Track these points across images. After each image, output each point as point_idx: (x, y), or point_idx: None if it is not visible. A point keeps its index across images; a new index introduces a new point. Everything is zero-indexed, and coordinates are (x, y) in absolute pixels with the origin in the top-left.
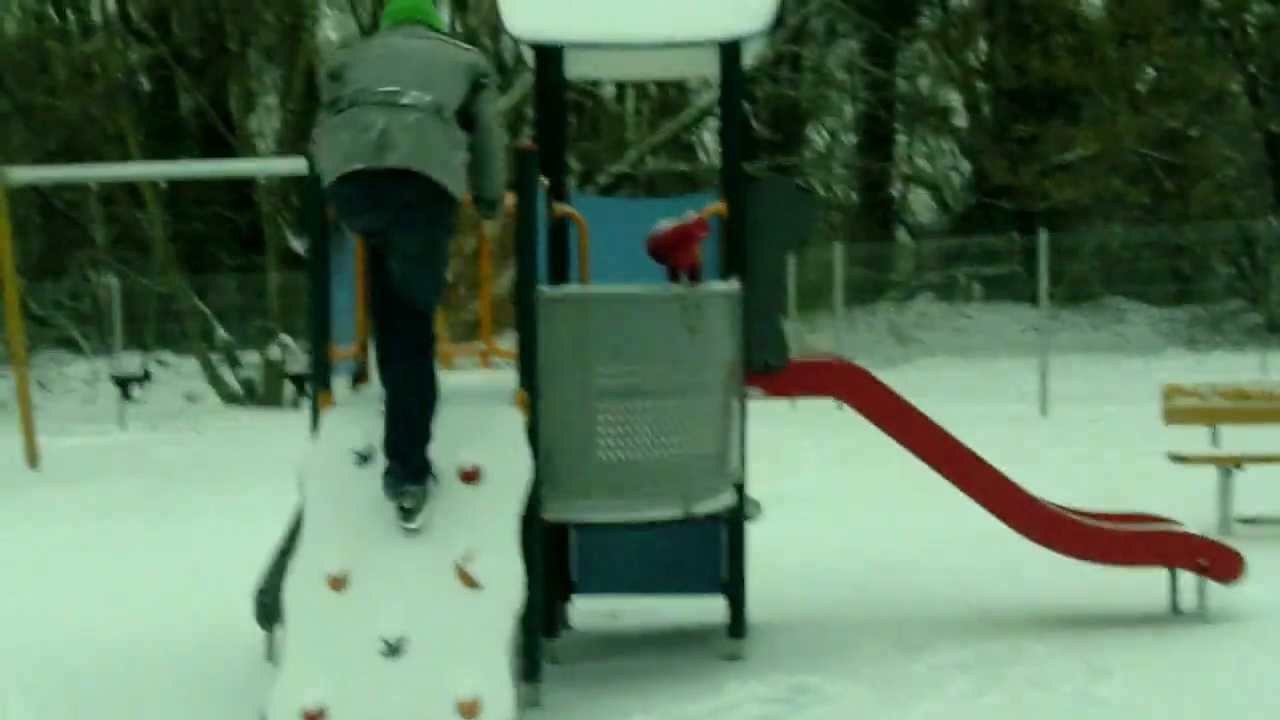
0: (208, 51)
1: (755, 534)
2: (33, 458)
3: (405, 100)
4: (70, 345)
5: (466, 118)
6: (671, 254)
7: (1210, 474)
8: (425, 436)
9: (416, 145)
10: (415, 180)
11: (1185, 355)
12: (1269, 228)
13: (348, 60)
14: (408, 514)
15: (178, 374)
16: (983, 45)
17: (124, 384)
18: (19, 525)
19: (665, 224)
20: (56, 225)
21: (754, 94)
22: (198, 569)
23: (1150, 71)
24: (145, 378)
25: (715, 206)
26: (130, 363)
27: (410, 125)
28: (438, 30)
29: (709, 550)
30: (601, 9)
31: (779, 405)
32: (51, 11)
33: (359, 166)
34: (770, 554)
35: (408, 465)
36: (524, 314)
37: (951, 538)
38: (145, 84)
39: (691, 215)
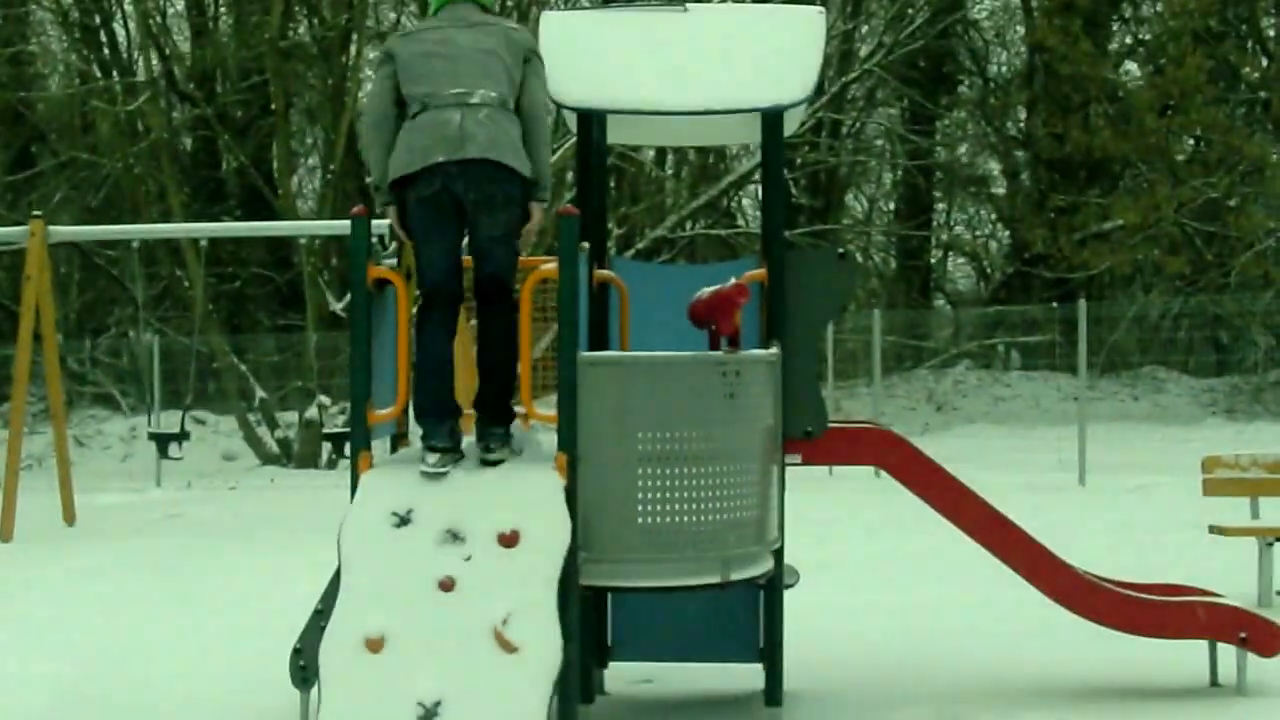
0: (251, 112)
1: (793, 601)
2: (70, 514)
3: (474, 99)
4: (108, 402)
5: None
6: (712, 320)
7: (1250, 546)
8: (508, 390)
9: (492, 136)
10: (493, 167)
11: (1224, 426)
12: None
13: (411, 54)
14: (488, 450)
15: (215, 433)
16: (1022, 114)
17: (162, 442)
18: (55, 582)
19: (706, 290)
20: (97, 282)
21: (793, 160)
22: (233, 628)
23: (1189, 141)
24: (184, 436)
25: (756, 273)
26: (168, 421)
27: (483, 120)
28: (486, 7)
29: (747, 617)
30: (643, 76)
31: (817, 471)
32: (96, 70)
33: (441, 159)
34: (808, 622)
35: (492, 412)
36: (565, 378)
37: (991, 607)
38: (188, 143)
39: (732, 281)
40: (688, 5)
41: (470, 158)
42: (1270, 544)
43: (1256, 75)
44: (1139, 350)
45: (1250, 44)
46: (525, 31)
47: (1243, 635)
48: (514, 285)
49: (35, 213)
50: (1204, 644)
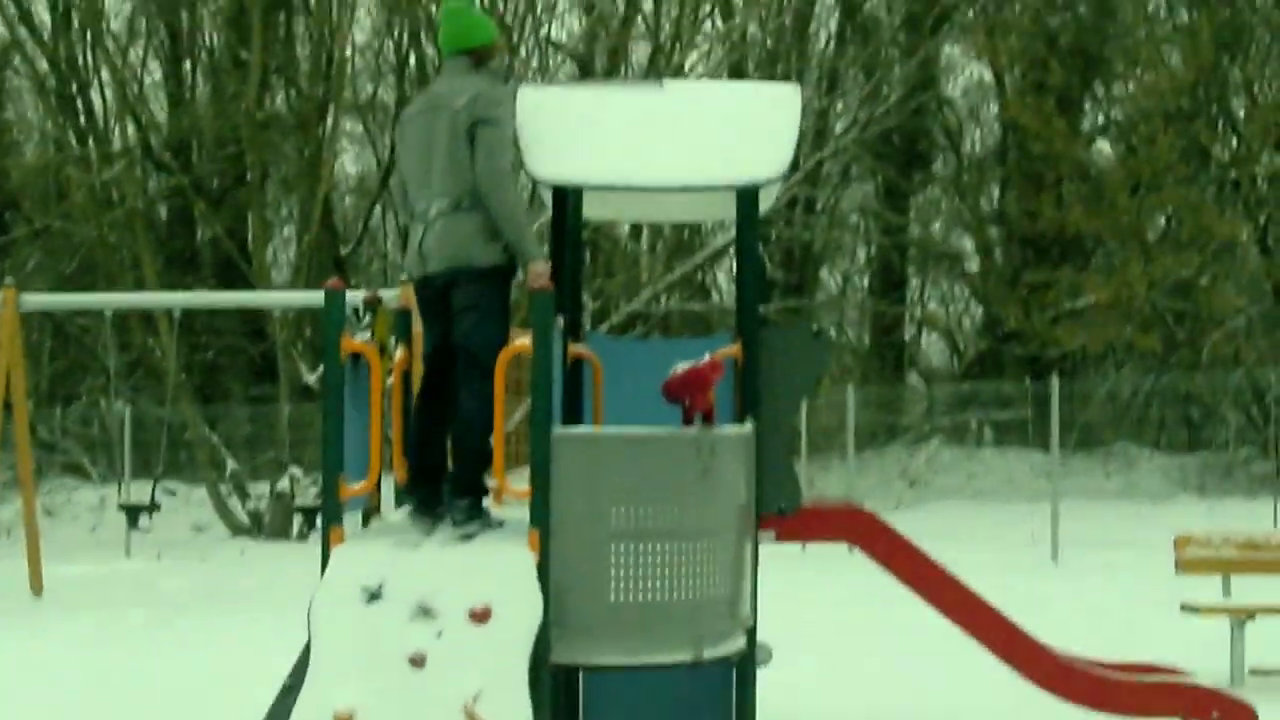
0: (227, 182)
1: (765, 679)
2: (38, 585)
3: (431, 212)
4: (78, 472)
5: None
6: (687, 396)
7: (1223, 625)
8: (473, 462)
9: (444, 245)
10: (451, 272)
11: (1196, 502)
12: (1279, 376)
13: (400, 142)
14: (454, 524)
15: (186, 503)
16: (995, 191)
17: (132, 513)
18: (21, 654)
19: (681, 366)
20: (69, 350)
21: (768, 235)
22: (201, 703)
23: (1161, 220)
24: (154, 507)
25: (730, 349)
26: (139, 491)
27: (439, 232)
28: (476, 48)
29: (719, 695)
30: (620, 152)
31: (789, 548)
32: (72, 138)
33: (416, 275)
34: (780, 700)
35: (456, 484)
36: (538, 453)
37: (966, 686)
38: (163, 212)
39: (707, 357)
40: (664, 81)
41: (430, 273)
42: (1243, 623)
43: (1227, 155)
44: (1111, 427)
45: (1221, 124)
46: (476, 95)
47: (1216, 716)
48: (482, 356)
49: (7, 280)
50: None
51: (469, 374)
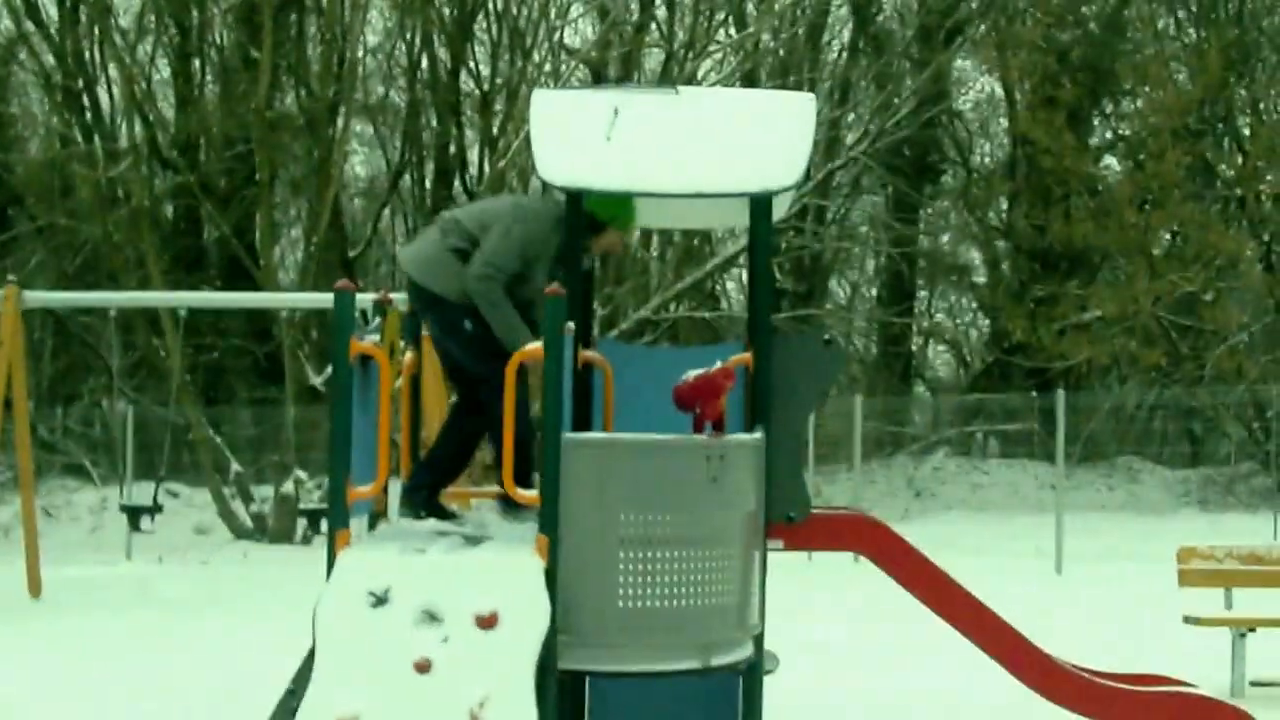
0: (235, 182)
1: (772, 688)
2: (35, 587)
3: None
4: (79, 472)
5: None
6: (697, 404)
7: (1224, 636)
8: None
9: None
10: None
11: (1198, 516)
12: None
13: None
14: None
15: (188, 505)
16: (1004, 205)
17: (134, 514)
18: (17, 658)
19: (692, 373)
20: (71, 349)
21: (778, 244)
22: (202, 708)
23: (1167, 236)
24: (156, 509)
25: (741, 357)
26: (141, 493)
27: None
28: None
29: (725, 703)
30: (632, 157)
31: (796, 556)
32: (78, 135)
33: None
34: (786, 708)
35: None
36: (547, 459)
37: (970, 694)
38: (169, 211)
39: (718, 365)
40: (679, 88)
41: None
42: (1244, 635)
43: (1232, 173)
44: (1115, 440)
45: (1227, 142)
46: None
47: None
48: (474, 367)
49: (10, 277)
50: None
51: (465, 393)
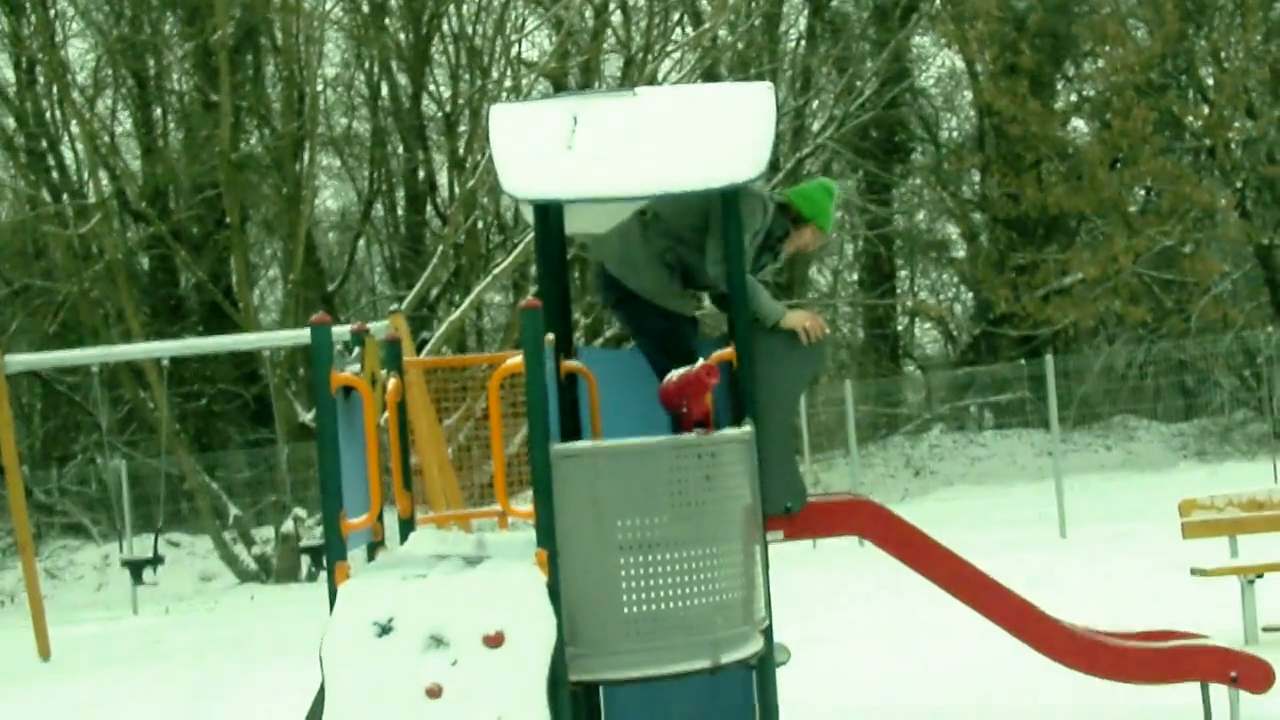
0: (206, 227)
1: (785, 679)
2: (44, 649)
3: None
4: (79, 531)
5: None
6: (684, 402)
7: (1232, 585)
8: None
9: None
10: None
11: (1197, 468)
12: (1268, 337)
13: None
14: None
15: (190, 554)
16: (976, 176)
17: (136, 568)
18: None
19: (676, 373)
20: (59, 409)
21: None
22: None
23: (1140, 192)
24: (158, 560)
25: (724, 352)
26: (141, 546)
27: None
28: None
29: (741, 700)
30: (597, 163)
31: (801, 545)
32: (46, 195)
33: None
34: (802, 699)
35: None
36: (538, 472)
37: (983, 666)
38: (144, 262)
39: (701, 363)
40: (636, 90)
41: None
42: (1252, 581)
43: (1199, 123)
44: (1108, 400)
45: (1191, 93)
46: None
47: (1233, 675)
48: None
49: None
50: (1197, 687)
51: None
